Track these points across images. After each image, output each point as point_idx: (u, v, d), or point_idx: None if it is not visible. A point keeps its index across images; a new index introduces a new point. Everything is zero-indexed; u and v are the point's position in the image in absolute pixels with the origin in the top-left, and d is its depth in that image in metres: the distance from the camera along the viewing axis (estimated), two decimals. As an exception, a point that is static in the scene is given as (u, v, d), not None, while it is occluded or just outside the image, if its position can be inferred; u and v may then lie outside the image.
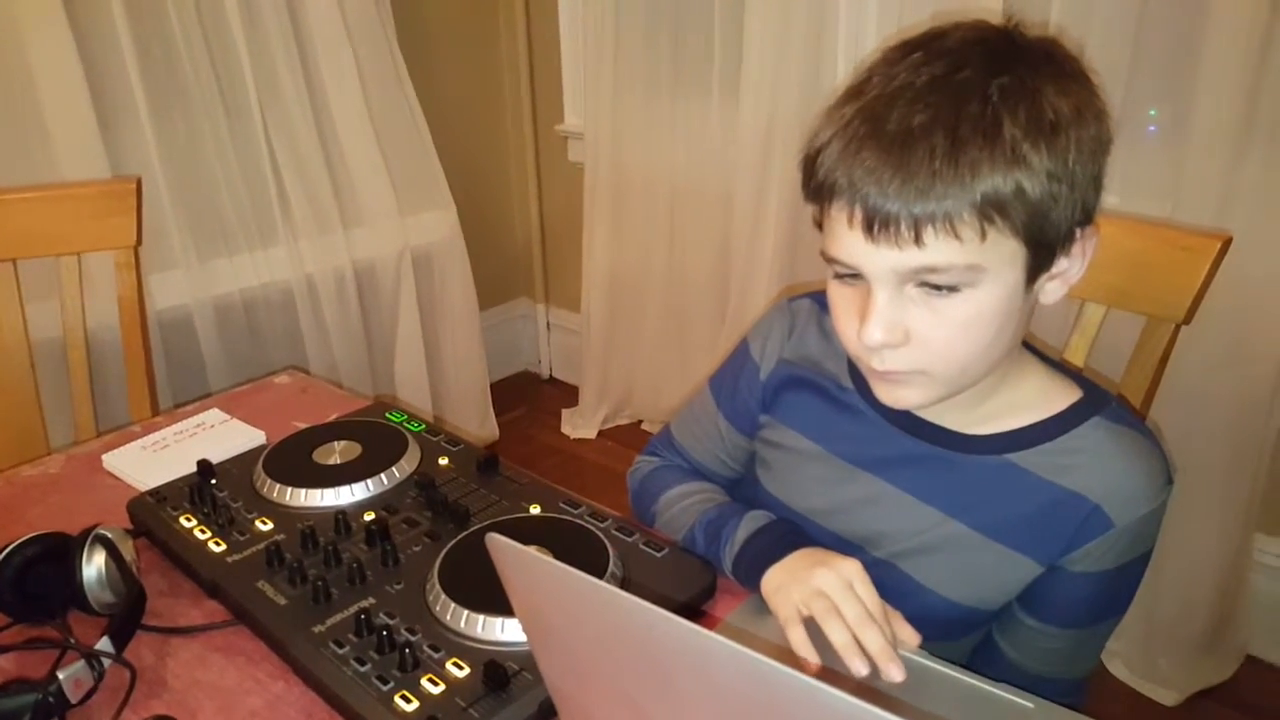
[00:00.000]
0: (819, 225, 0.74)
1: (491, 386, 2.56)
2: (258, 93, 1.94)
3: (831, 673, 0.69)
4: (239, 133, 1.95)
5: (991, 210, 0.64)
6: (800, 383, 0.90)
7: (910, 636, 0.73)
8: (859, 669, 0.69)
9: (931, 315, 0.69)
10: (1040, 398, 0.79)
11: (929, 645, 0.73)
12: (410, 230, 2.23)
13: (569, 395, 2.73)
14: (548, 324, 2.89)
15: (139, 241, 1.31)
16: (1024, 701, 0.68)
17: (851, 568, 0.74)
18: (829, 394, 0.88)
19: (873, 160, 0.66)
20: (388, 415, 1.04)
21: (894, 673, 0.68)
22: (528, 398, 2.82)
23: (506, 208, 2.77)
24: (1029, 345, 0.82)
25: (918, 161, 0.64)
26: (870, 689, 0.68)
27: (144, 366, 1.35)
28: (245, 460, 0.95)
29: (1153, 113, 1.60)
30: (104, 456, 1.02)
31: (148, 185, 1.78)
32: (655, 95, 2.21)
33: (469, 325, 2.43)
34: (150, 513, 0.87)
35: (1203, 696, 1.69)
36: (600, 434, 2.59)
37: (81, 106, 1.71)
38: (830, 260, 0.73)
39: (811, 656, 0.71)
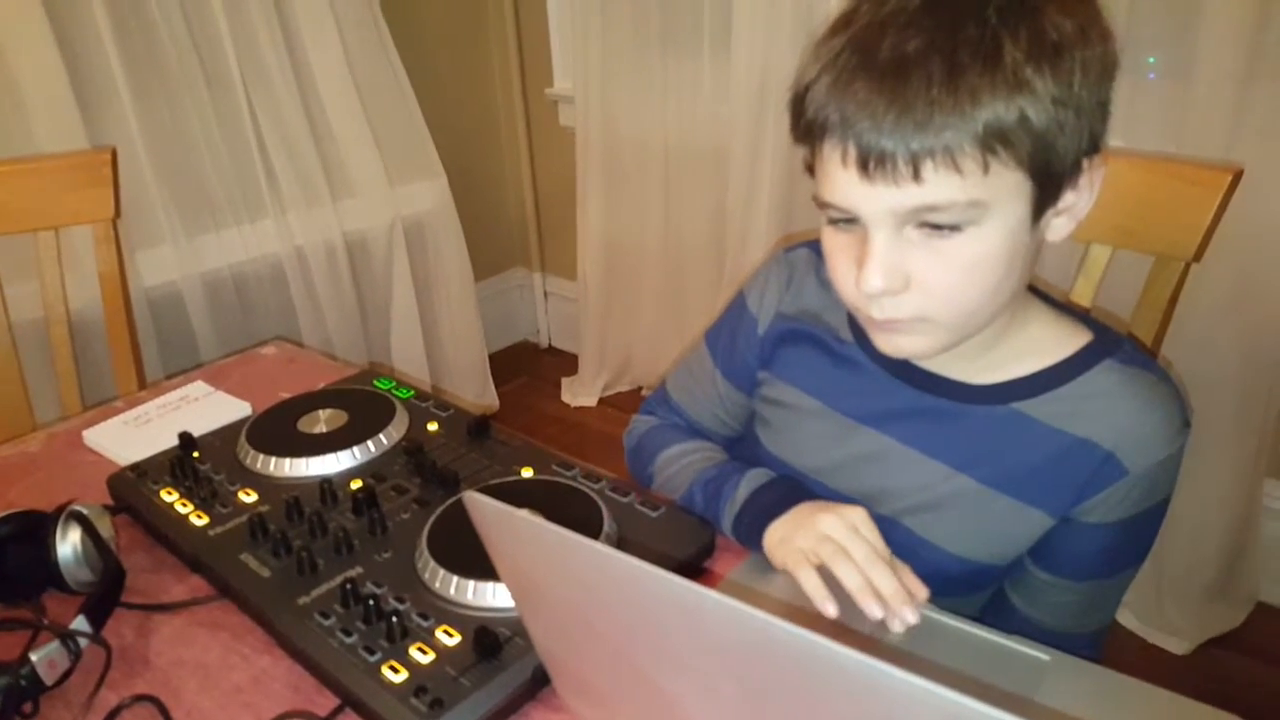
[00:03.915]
0: (810, 170, 0.71)
1: (490, 357, 2.54)
2: (239, 63, 1.89)
3: (835, 628, 0.67)
4: (221, 105, 1.90)
5: (994, 141, 0.61)
6: (799, 336, 0.87)
7: (918, 589, 0.70)
8: (874, 611, 0.67)
9: (933, 258, 0.66)
10: (1048, 342, 0.76)
11: (938, 603, 0.70)
12: (401, 200, 2.19)
13: (568, 364, 2.70)
14: (545, 293, 2.86)
15: (118, 214, 1.28)
16: (1039, 654, 0.66)
17: (856, 513, 0.72)
18: (828, 347, 0.84)
19: (865, 93, 0.62)
20: (375, 382, 1.01)
21: (909, 615, 0.67)
22: (527, 367, 2.79)
23: (499, 176, 2.73)
24: (1034, 289, 0.79)
25: (914, 92, 0.60)
26: (876, 644, 0.65)
27: (129, 343, 1.32)
28: (229, 432, 0.92)
29: (1151, 60, 1.55)
30: (85, 433, 1.00)
31: (130, 161, 1.75)
32: (645, 54, 2.15)
33: (465, 296, 2.39)
34: (131, 488, 0.85)
35: (1213, 644, 1.68)
36: (601, 401, 2.57)
37: (58, 85, 1.66)
38: (824, 205, 0.69)
39: (828, 600, 0.69)
